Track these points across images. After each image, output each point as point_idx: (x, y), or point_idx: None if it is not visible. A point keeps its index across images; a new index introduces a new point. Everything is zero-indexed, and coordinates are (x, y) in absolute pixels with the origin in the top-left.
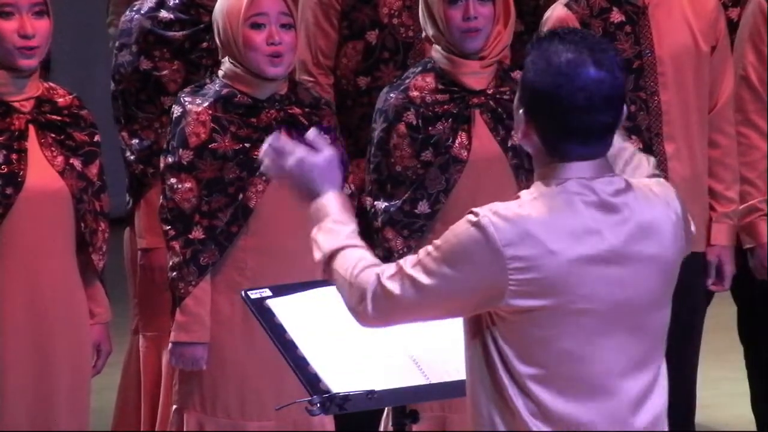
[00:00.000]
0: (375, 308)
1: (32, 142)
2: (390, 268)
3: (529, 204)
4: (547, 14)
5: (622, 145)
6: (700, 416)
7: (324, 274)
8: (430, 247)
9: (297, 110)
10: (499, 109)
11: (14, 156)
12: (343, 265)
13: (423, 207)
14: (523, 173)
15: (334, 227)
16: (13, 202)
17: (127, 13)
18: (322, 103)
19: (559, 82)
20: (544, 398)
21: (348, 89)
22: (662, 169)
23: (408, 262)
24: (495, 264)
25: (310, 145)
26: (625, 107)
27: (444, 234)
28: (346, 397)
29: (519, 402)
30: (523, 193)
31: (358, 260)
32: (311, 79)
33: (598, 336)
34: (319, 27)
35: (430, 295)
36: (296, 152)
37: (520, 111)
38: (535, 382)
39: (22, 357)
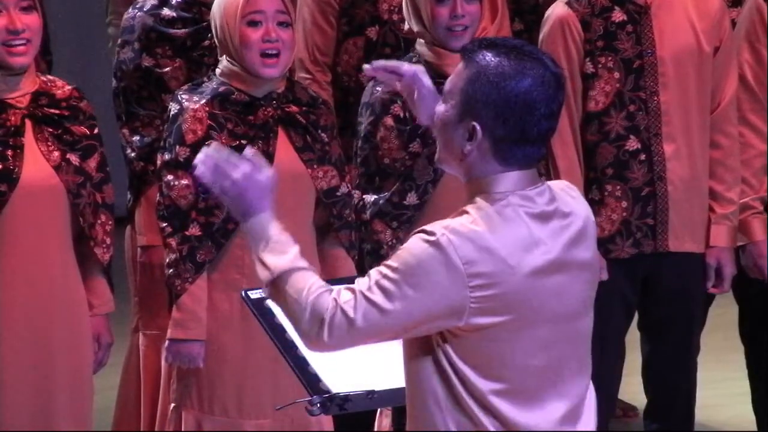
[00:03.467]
0: (332, 335)
1: (28, 137)
2: (346, 293)
3: (482, 220)
4: (548, 13)
5: None
6: (700, 416)
7: (270, 293)
8: (383, 269)
9: (294, 108)
10: None
11: (9, 152)
12: (294, 286)
13: (411, 198)
14: None
15: (279, 247)
16: (8, 198)
17: (130, 10)
18: (319, 102)
19: (528, 94)
20: (508, 412)
21: (350, 86)
22: (661, 170)
23: (363, 286)
24: (456, 283)
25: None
26: None
27: (397, 253)
28: (346, 397)
29: (484, 418)
30: (470, 209)
31: (310, 284)
32: (308, 76)
33: (551, 346)
34: (315, 24)
35: (392, 319)
36: (241, 166)
37: (467, 123)
38: (497, 396)
39: (21, 353)
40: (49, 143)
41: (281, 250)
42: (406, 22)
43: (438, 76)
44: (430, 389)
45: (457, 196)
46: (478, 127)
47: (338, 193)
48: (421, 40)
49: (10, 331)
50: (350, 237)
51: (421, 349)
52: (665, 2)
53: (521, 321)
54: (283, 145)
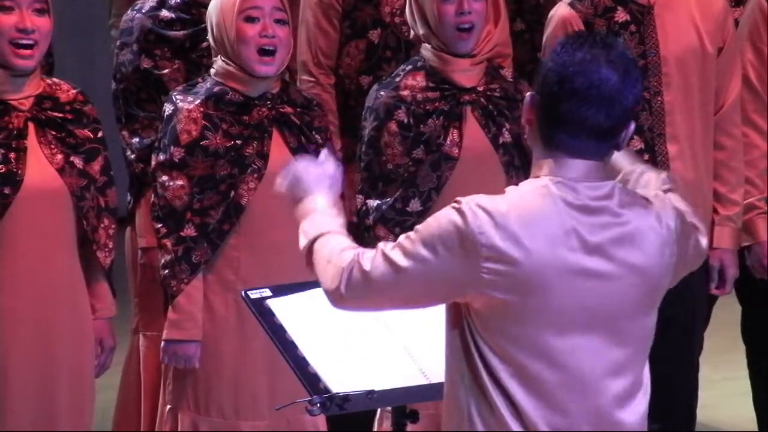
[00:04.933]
0: (348, 286)
1: (32, 140)
2: (370, 250)
3: (512, 201)
4: (551, 13)
5: (629, 169)
6: (700, 416)
7: (306, 261)
8: (411, 232)
9: (289, 109)
10: (490, 107)
11: (12, 155)
12: (323, 248)
13: (414, 205)
14: (514, 170)
15: (320, 218)
16: (11, 201)
17: (129, 12)
18: (313, 104)
19: (567, 64)
20: (520, 396)
21: (351, 89)
22: (664, 170)
23: (388, 245)
24: (469, 251)
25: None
26: (632, 126)
27: (427, 219)
28: (346, 397)
29: (499, 400)
30: (509, 189)
31: (339, 243)
32: (312, 79)
33: (572, 336)
34: (319, 27)
35: (403, 276)
36: (299, 162)
37: (529, 93)
38: (511, 379)
39: (24, 355)
40: (52, 146)
41: (320, 221)
42: (410, 28)
43: (443, 82)
44: (459, 367)
45: None
46: (529, 97)
47: None
48: (427, 45)
49: (14, 334)
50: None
51: (455, 325)
52: (669, 2)
53: (542, 306)
54: (278, 146)
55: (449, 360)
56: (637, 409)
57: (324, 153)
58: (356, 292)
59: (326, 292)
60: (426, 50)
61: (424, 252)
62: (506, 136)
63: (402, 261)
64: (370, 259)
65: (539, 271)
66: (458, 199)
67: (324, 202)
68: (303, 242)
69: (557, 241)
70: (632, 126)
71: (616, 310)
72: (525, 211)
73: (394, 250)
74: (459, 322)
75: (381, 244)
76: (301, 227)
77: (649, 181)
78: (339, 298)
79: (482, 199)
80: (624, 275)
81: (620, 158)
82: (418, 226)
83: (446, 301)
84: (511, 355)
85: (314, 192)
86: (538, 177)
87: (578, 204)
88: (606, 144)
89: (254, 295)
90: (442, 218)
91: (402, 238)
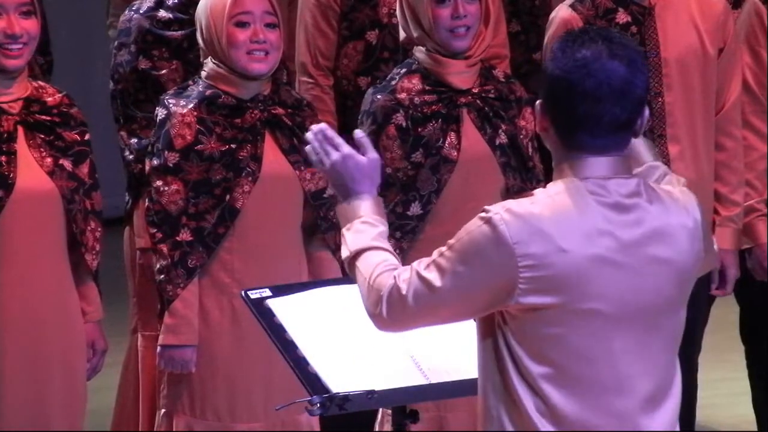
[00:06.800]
0: (389, 312)
1: (21, 144)
2: (405, 271)
3: (543, 202)
4: (552, 15)
5: (652, 164)
6: (700, 416)
7: (349, 272)
8: (443, 248)
9: (280, 110)
10: (486, 108)
11: (3, 158)
12: (365, 266)
13: (415, 208)
14: (511, 171)
15: (363, 228)
16: (4, 204)
17: (126, 12)
18: (304, 104)
19: (572, 68)
20: (555, 398)
21: (349, 90)
22: None
23: (422, 264)
24: (506, 261)
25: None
26: (646, 111)
27: (458, 233)
28: (346, 397)
29: (529, 402)
30: (538, 191)
31: (379, 263)
32: (311, 80)
33: (609, 336)
34: (317, 28)
35: (442, 295)
36: (343, 148)
37: (538, 102)
38: (546, 381)
39: (15, 358)
40: (42, 149)
41: (362, 231)
42: (401, 31)
43: (437, 84)
44: (490, 376)
45: (460, 206)
46: (538, 106)
47: (325, 195)
48: (421, 48)
49: (6, 337)
50: (336, 239)
51: (486, 335)
52: (669, 3)
53: (575, 306)
54: (271, 148)
55: (480, 365)
56: (665, 412)
57: (358, 134)
58: (398, 315)
59: (370, 315)
60: (420, 52)
61: (459, 268)
62: (502, 137)
63: (437, 280)
64: (406, 280)
65: (576, 271)
66: (486, 208)
67: (368, 206)
68: (344, 253)
69: (592, 240)
70: (647, 112)
71: (653, 307)
72: (557, 212)
73: (428, 269)
74: (491, 329)
75: (415, 264)
76: (343, 234)
77: (671, 182)
78: (383, 322)
79: (512, 204)
80: (658, 271)
81: (638, 146)
82: (450, 241)
83: (485, 314)
84: (548, 356)
85: (358, 191)
86: (562, 178)
87: (610, 202)
88: (626, 135)
89: (254, 295)
90: (474, 231)
91: (435, 254)
